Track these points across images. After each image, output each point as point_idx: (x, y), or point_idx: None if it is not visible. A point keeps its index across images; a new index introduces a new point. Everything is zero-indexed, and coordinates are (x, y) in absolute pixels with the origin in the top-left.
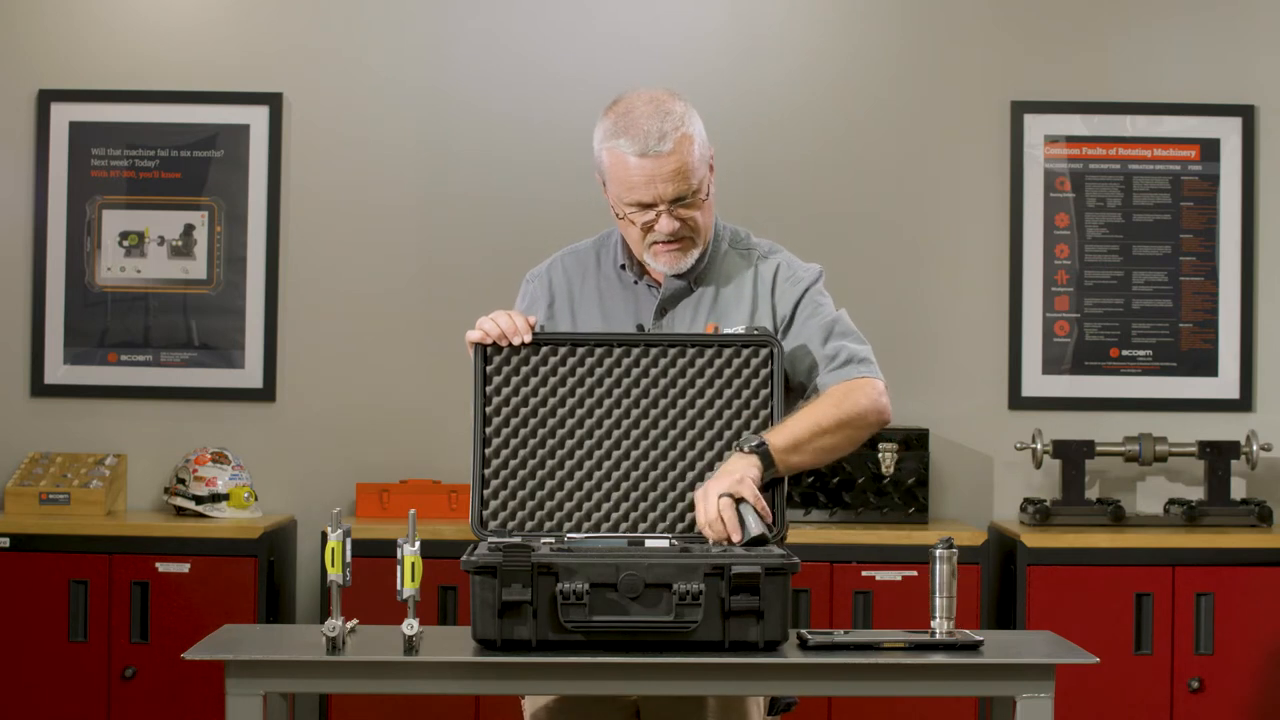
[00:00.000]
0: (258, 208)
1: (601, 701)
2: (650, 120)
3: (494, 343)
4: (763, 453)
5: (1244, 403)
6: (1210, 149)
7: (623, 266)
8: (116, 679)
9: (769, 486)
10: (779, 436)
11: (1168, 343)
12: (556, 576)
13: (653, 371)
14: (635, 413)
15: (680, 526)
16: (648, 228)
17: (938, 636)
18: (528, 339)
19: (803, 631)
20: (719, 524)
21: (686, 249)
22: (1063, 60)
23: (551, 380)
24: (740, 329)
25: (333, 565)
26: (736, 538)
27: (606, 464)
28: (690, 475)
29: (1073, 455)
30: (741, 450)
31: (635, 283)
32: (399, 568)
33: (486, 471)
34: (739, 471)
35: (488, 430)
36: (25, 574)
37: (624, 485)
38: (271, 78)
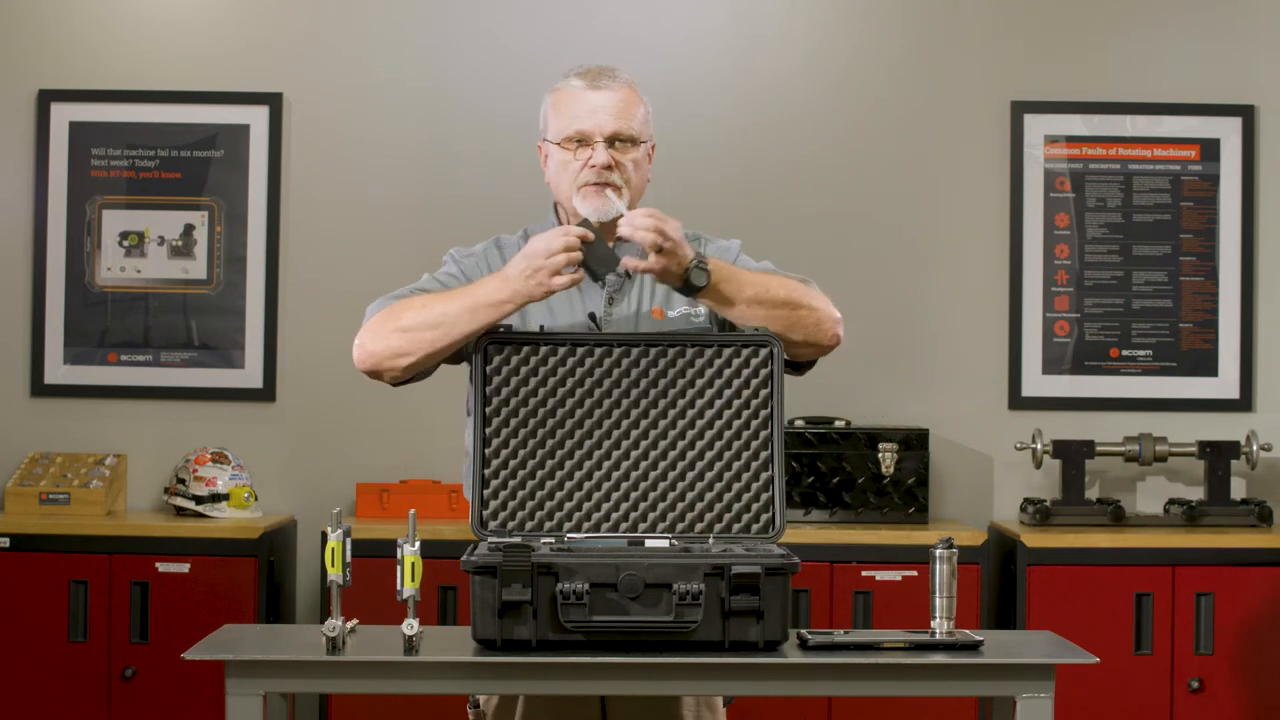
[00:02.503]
0: (258, 208)
1: (567, 698)
2: (601, 68)
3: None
4: (700, 264)
5: (1244, 403)
6: (1210, 149)
7: None
8: (116, 679)
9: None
10: (729, 269)
11: (1168, 343)
12: (556, 576)
13: (653, 371)
14: (635, 413)
15: (680, 526)
16: (584, 164)
17: (938, 636)
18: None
19: (803, 631)
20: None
21: (613, 195)
22: (1063, 60)
23: (551, 380)
24: (682, 310)
25: (333, 565)
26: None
27: (606, 464)
28: (690, 475)
29: (1073, 455)
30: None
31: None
32: (399, 568)
33: (486, 471)
34: (674, 228)
35: (488, 430)
36: (25, 574)
37: (624, 485)
38: (271, 78)
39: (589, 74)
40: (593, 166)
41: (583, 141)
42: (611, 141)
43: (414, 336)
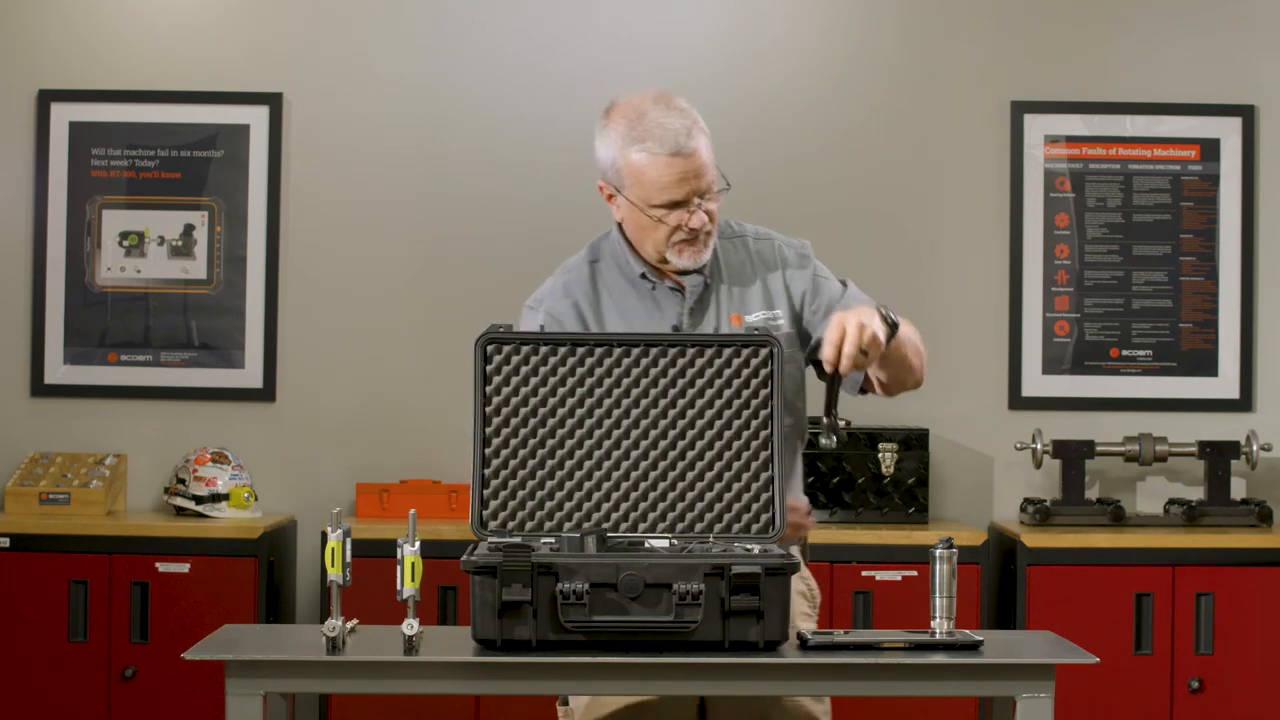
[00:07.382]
0: (258, 208)
1: (664, 703)
2: (669, 119)
3: None
4: (892, 324)
5: (1244, 403)
6: (1210, 149)
7: (642, 275)
8: (116, 679)
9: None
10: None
11: (1168, 343)
12: (556, 576)
13: (653, 371)
14: (635, 413)
15: (680, 526)
16: (678, 225)
17: (938, 636)
18: None
19: (803, 631)
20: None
21: (706, 243)
22: (1063, 60)
23: (551, 380)
24: (760, 315)
25: (333, 565)
26: (845, 367)
27: (606, 464)
28: (690, 475)
29: (1073, 455)
30: (880, 311)
31: (653, 289)
32: (399, 568)
33: (486, 471)
34: (870, 325)
35: (488, 430)
36: (25, 574)
37: (624, 485)
38: (271, 78)
39: (666, 138)
40: (692, 229)
41: (679, 203)
42: (702, 196)
43: None
